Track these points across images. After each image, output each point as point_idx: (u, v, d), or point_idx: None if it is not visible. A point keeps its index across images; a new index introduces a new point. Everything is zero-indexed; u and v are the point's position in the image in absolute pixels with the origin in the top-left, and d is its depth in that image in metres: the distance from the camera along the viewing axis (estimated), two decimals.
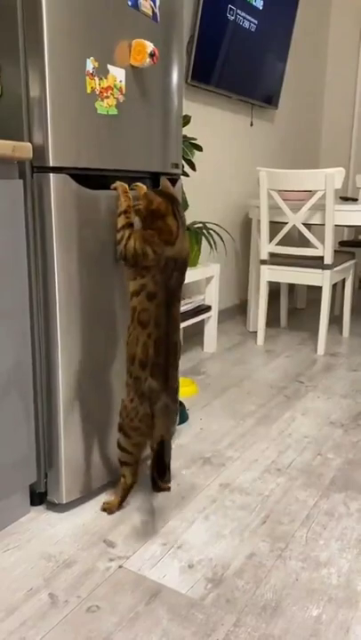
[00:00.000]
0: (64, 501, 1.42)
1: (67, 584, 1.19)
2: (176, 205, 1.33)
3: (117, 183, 1.40)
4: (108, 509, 1.44)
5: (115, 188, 1.40)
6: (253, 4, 3.02)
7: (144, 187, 1.42)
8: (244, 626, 1.09)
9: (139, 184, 1.43)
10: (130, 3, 1.39)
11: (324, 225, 2.73)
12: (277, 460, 1.74)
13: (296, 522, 1.42)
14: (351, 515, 1.46)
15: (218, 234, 2.70)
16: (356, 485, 1.60)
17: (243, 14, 2.95)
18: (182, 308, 2.50)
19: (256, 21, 3.09)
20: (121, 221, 1.38)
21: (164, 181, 1.39)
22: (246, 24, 3.01)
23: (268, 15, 3.20)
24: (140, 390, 1.32)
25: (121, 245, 1.35)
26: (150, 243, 1.30)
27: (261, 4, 3.10)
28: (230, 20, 2.85)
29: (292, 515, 1.45)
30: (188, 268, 2.52)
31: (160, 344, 1.31)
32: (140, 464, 1.44)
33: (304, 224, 2.80)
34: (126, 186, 1.41)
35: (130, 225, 1.37)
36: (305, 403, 2.19)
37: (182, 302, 2.52)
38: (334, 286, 3.64)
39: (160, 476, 1.27)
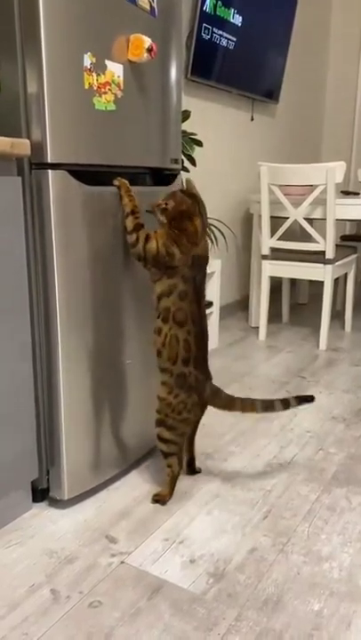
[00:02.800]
0: (66, 498, 1.42)
1: (69, 580, 1.19)
2: (201, 206, 1.36)
3: (119, 180, 1.40)
4: (160, 500, 1.47)
5: (117, 186, 1.40)
6: None
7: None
8: (245, 620, 1.09)
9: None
10: None
11: (325, 219, 2.72)
12: (279, 455, 1.74)
13: (298, 516, 1.42)
14: (353, 509, 1.46)
15: (219, 229, 2.70)
16: (357, 480, 1.60)
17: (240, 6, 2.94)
18: None
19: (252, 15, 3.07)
20: (130, 223, 1.38)
21: (190, 182, 1.41)
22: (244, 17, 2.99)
23: (265, 8, 3.19)
24: (187, 384, 1.38)
25: (139, 247, 1.36)
26: (178, 244, 1.32)
27: None
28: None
29: (294, 509, 1.45)
30: None
31: (199, 339, 1.38)
32: (183, 452, 1.50)
33: (305, 219, 2.79)
34: (128, 184, 1.41)
35: (141, 226, 1.38)
36: None
37: None
38: (336, 281, 3.62)
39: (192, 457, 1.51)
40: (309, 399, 1.47)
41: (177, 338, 1.36)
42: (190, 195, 1.35)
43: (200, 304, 1.38)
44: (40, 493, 1.45)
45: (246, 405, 1.43)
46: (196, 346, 1.38)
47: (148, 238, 1.35)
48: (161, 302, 1.37)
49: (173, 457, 1.45)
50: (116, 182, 1.40)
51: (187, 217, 1.33)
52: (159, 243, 1.33)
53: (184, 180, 1.41)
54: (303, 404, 1.47)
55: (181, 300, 1.35)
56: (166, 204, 1.34)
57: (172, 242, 1.33)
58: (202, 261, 1.38)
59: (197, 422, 1.50)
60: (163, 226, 1.36)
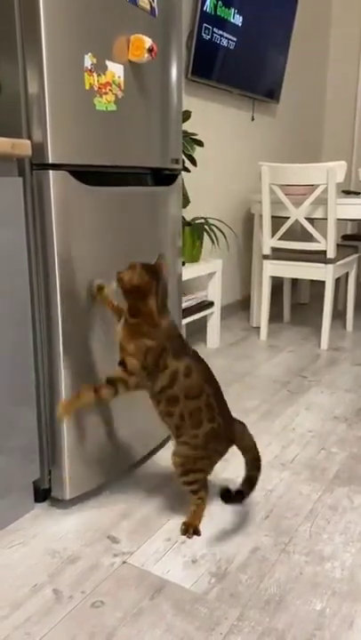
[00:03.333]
0: (68, 498, 1.42)
1: (71, 580, 1.19)
2: (160, 285, 1.26)
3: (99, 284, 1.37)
4: (196, 531, 1.35)
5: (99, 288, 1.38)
6: None
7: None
8: (247, 620, 1.09)
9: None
10: None
11: (326, 219, 2.72)
12: (281, 454, 1.74)
13: (300, 516, 1.42)
14: (355, 509, 1.46)
15: (220, 229, 2.70)
16: (359, 480, 1.59)
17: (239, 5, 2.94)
18: (185, 304, 2.50)
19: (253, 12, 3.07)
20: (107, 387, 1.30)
21: (161, 258, 1.32)
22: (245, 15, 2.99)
23: (266, 8, 3.19)
24: (215, 434, 1.31)
25: (131, 381, 1.29)
26: (143, 334, 1.25)
27: None
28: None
29: (296, 509, 1.45)
30: (191, 265, 2.52)
31: (218, 391, 1.32)
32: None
33: (306, 218, 2.79)
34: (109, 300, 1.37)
35: (112, 381, 1.30)
36: (308, 397, 2.19)
37: (185, 298, 2.51)
38: (337, 280, 3.63)
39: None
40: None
41: (198, 407, 1.29)
42: (151, 270, 1.25)
43: (199, 361, 1.31)
44: (42, 494, 1.45)
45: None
46: (216, 399, 1.31)
47: (124, 365, 1.28)
48: (165, 393, 1.28)
49: (202, 491, 1.37)
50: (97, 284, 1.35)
51: (140, 294, 1.24)
52: (134, 358, 1.26)
53: (157, 255, 1.32)
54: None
55: (187, 376, 1.27)
56: (122, 275, 1.26)
57: (138, 336, 1.25)
58: (171, 332, 1.29)
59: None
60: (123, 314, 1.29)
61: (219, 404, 1.32)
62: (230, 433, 1.34)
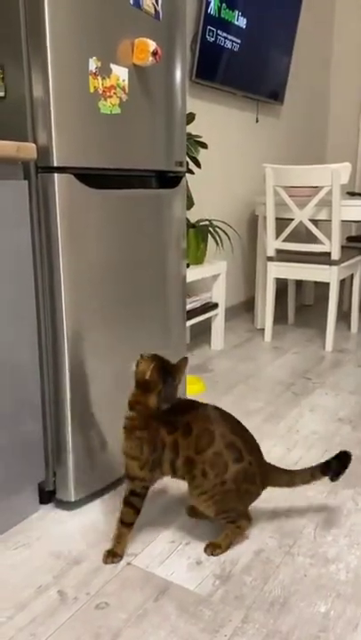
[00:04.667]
0: (72, 499, 1.43)
1: (76, 581, 1.20)
2: (167, 384, 1.24)
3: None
4: (221, 551, 1.29)
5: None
6: None
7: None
8: (252, 622, 1.09)
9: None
10: (132, 1, 1.39)
11: (330, 221, 2.72)
12: (285, 456, 1.74)
13: (304, 518, 1.42)
14: (360, 511, 1.45)
15: (224, 231, 2.70)
16: None
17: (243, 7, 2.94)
18: (189, 306, 2.50)
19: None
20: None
21: (184, 361, 1.29)
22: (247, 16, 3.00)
23: (270, 10, 3.19)
24: (248, 473, 1.25)
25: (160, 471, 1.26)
26: (135, 432, 1.24)
27: None
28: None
29: (301, 511, 1.45)
30: (195, 266, 2.53)
31: (254, 468, 1.26)
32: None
33: (311, 220, 2.79)
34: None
35: (133, 495, 1.27)
36: (313, 399, 2.19)
37: (189, 300, 2.52)
38: (342, 282, 3.62)
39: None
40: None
41: (216, 453, 1.23)
42: (165, 369, 1.24)
43: (205, 414, 1.26)
44: (47, 495, 1.46)
45: (305, 477, 1.33)
46: (241, 438, 1.26)
47: (127, 475, 1.27)
48: (177, 464, 1.24)
49: (242, 520, 1.30)
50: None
51: (145, 388, 1.23)
52: (132, 460, 1.25)
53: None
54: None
55: (187, 434, 1.23)
56: (140, 361, 1.25)
57: (133, 430, 1.24)
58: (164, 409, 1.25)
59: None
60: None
61: (245, 443, 1.26)
62: (264, 474, 1.28)
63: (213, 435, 1.23)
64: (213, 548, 1.29)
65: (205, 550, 1.29)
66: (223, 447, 1.23)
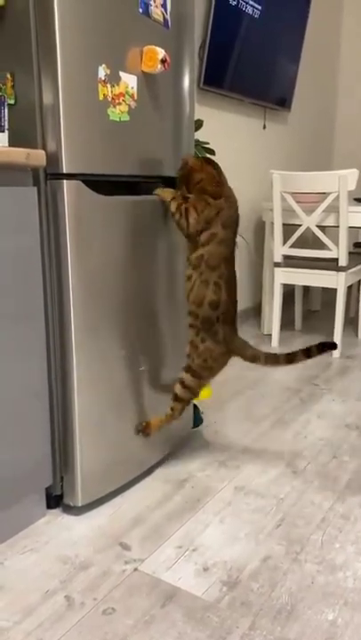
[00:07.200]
0: (80, 504, 1.43)
1: (83, 586, 1.20)
2: (210, 161, 1.48)
3: (158, 189, 1.52)
4: (143, 431, 1.54)
5: (156, 194, 1.51)
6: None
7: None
8: (259, 629, 1.09)
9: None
10: (141, 10, 1.40)
11: (338, 227, 2.72)
12: (293, 462, 1.73)
13: (312, 525, 1.42)
14: None
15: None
16: None
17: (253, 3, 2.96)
18: None
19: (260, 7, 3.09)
20: (174, 205, 1.46)
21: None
22: (254, 12, 3.01)
23: (276, 9, 3.20)
24: (213, 330, 1.43)
25: (183, 222, 1.44)
26: (207, 193, 1.42)
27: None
28: (243, 22, 2.86)
29: (308, 518, 1.45)
30: None
31: (231, 283, 1.44)
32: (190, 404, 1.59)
33: (318, 226, 2.79)
34: (165, 189, 1.52)
35: (181, 204, 1.45)
36: (320, 405, 2.18)
37: None
38: (349, 288, 3.61)
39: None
40: (332, 346, 1.57)
41: (206, 281, 1.42)
42: (197, 157, 1.49)
43: (234, 252, 1.45)
44: (54, 500, 1.46)
45: (270, 358, 1.52)
46: (227, 290, 1.43)
47: (187, 211, 1.42)
48: (195, 252, 1.43)
49: (180, 403, 1.53)
50: (155, 192, 1.51)
51: (196, 170, 1.44)
52: (197, 208, 1.41)
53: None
54: (325, 352, 1.53)
55: (219, 245, 1.41)
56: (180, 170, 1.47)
57: (202, 195, 1.42)
58: (231, 201, 1.47)
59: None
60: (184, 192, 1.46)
61: (226, 301, 1.43)
62: (230, 341, 1.46)
63: (218, 267, 1.42)
64: (146, 428, 1.53)
65: (139, 432, 1.53)
66: (211, 290, 1.42)
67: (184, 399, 1.54)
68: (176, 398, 1.54)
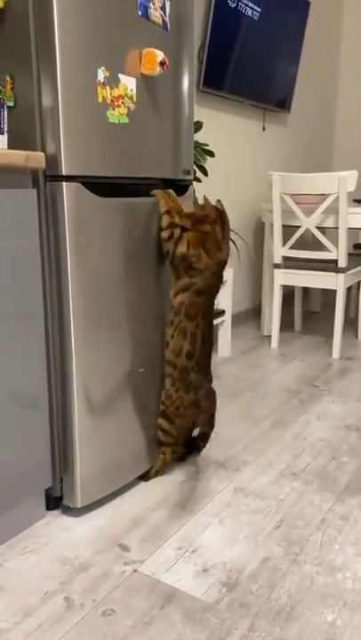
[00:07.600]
0: (79, 506, 1.43)
1: (82, 587, 1.20)
2: (224, 216, 1.51)
3: (156, 192, 1.50)
4: (145, 477, 1.59)
5: (154, 195, 1.51)
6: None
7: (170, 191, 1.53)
8: (258, 630, 1.09)
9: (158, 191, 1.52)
10: (140, 12, 1.41)
11: (337, 228, 2.72)
12: (292, 464, 1.73)
13: (311, 526, 1.42)
14: None
15: (231, 239, 2.71)
16: None
17: (251, 5, 2.97)
18: None
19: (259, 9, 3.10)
20: (166, 220, 1.47)
21: (219, 202, 1.56)
22: (254, 15, 3.02)
23: (275, 11, 3.21)
24: (187, 380, 1.46)
25: (170, 245, 1.44)
26: (205, 248, 1.42)
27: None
28: (242, 24, 2.87)
29: (307, 519, 1.45)
30: None
31: (206, 334, 1.48)
32: (180, 445, 1.63)
33: (318, 227, 2.80)
34: (166, 192, 1.51)
35: (175, 225, 1.46)
36: (320, 407, 2.18)
37: None
38: (349, 289, 3.62)
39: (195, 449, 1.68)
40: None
41: (185, 331, 1.46)
42: (214, 207, 1.51)
43: (213, 302, 1.49)
44: (54, 501, 1.46)
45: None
46: (203, 341, 1.47)
47: (180, 238, 1.44)
48: (177, 297, 1.47)
49: (167, 447, 1.58)
50: (153, 193, 1.50)
51: (208, 223, 1.46)
52: (190, 247, 1.42)
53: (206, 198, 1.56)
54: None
55: (197, 296, 1.45)
56: (191, 213, 1.50)
57: (200, 245, 1.43)
58: (222, 265, 1.49)
59: (208, 422, 1.60)
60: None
61: (201, 351, 1.47)
62: (198, 390, 1.49)
63: (196, 317, 1.46)
64: (145, 474, 1.59)
65: (141, 478, 1.58)
66: (188, 341, 1.46)
67: (169, 443, 1.58)
68: (161, 444, 1.59)
